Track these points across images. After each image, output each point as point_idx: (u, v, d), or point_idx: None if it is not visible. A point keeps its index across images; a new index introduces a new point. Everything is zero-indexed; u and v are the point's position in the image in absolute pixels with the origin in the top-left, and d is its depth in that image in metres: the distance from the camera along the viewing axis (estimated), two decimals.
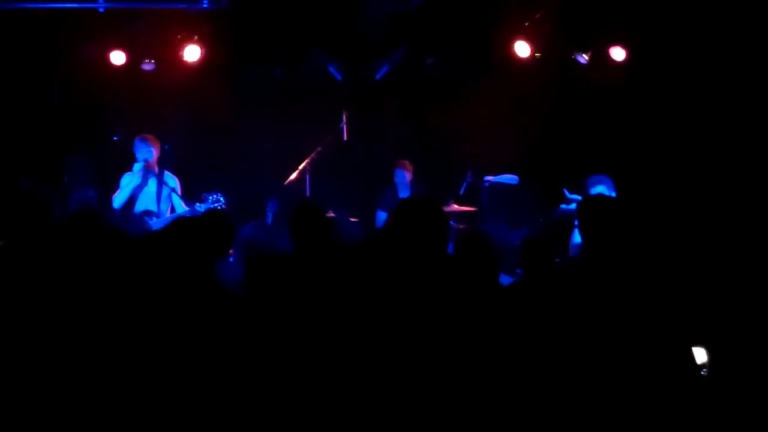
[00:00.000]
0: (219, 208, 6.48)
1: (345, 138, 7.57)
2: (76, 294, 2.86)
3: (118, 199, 6.76)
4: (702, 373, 3.19)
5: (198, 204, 6.55)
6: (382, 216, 8.00)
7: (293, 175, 7.38)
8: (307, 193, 7.28)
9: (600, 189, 5.97)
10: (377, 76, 8.47)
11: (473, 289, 3.33)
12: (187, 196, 7.06)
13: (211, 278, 2.93)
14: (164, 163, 7.61)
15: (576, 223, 4.60)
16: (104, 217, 3.58)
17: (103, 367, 2.64)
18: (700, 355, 3.23)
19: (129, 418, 2.56)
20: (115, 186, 6.91)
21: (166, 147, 7.97)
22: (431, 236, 3.16)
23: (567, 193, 6.38)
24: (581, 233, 3.51)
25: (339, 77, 8.42)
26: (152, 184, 6.77)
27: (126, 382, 2.60)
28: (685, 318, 3.06)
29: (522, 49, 7.66)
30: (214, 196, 6.60)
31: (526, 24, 7.51)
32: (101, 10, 6.47)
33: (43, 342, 2.72)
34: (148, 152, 6.73)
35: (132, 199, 6.83)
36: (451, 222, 7.58)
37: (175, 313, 2.74)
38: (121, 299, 2.80)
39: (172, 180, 6.87)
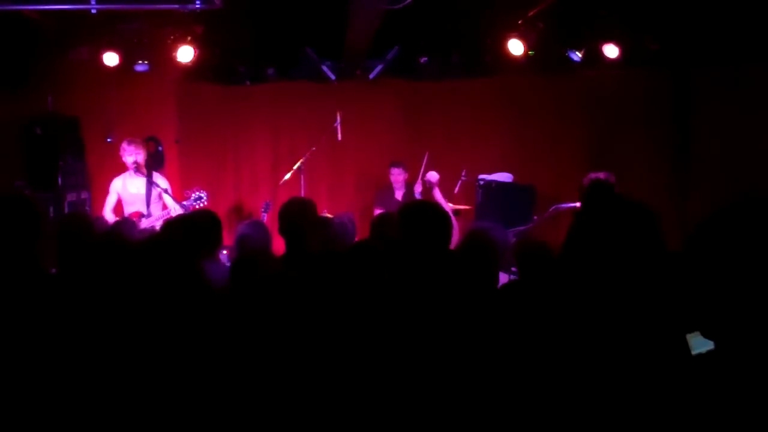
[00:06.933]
0: (201, 205, 6.54)
1: (339, 138, 7.58)
2: (66, 298, 2.84)
3: (108, 203, 6.83)
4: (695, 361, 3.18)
5: (183, 202, 6.59)
6: None
7: (288, 176, 7.38)
8: (302, 193, 7.28)
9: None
10: (371, 76, 8.46)
11: (472, 287, 3.33)
12: (180, 197, 7.05)
13: (199, 279, 2.90)
14: (157, 164, 7.60)
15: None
16: (91, 222, 3.55)
17: (90, 371, 2.62)
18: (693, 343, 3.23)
19: (117, 421, 2.55)
20: (107, 189, 6.93)
21: (160, 148, 7.97)
22: (434, 235, 3.21)
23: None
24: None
25: (333, 77, 8.42)
26: (142, 187, 6.78)
27: (113, 385, 2.59)
28: (678, 311, 3.06)
29: (515, 47, 7.66)
30: (197, 193, 6.66)
31: (520, 22, 7.51)
32: (93, 11, 6.43)
33: (29, 347, 2.70)
34: (137, 155, 6.75)
35: (121, 202, 6.87)
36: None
37: (164, 315, 2.73)
38: (109, 303, 2.78)
39: (162, 181, 6.87)
